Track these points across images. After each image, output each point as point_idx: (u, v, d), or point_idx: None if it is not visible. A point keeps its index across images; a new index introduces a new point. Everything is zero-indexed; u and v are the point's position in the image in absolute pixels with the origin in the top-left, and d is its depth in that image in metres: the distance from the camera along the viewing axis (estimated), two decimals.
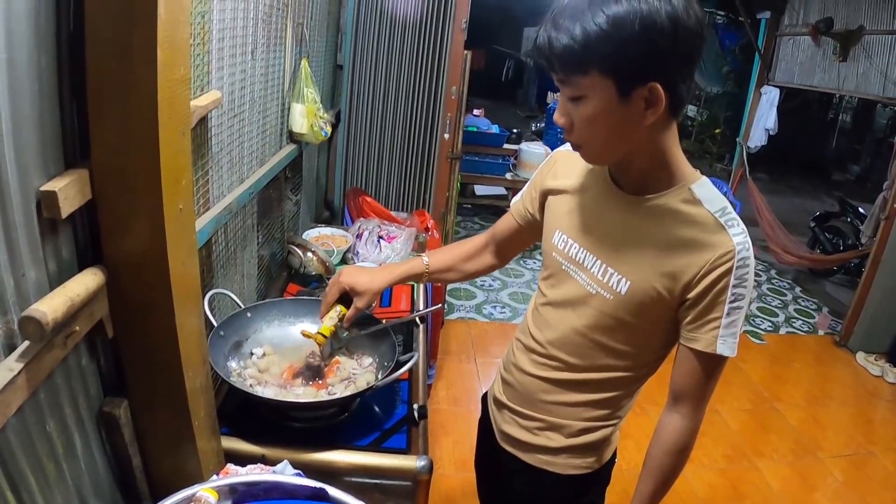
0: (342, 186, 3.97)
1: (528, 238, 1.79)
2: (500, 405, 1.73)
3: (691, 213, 1.34)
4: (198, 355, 1.31)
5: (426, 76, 3.79)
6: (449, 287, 5.57)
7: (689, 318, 1.37)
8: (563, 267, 1.52)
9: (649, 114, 1.22)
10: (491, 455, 1.78)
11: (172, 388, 1.26)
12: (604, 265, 1.43)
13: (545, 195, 1.63)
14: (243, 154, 2.03)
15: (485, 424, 1.85)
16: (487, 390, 1.85)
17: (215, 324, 1.74)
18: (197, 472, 1.36)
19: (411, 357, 1.70)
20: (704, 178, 1.39)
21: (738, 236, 1.31)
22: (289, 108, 2.56)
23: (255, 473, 1.32)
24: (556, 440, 1.61)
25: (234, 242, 2.06)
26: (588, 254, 1.47)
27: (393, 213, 3.54)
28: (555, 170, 1.61)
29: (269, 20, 2.15)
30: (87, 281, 1.11)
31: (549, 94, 9.10)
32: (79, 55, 1.04)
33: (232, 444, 1.61)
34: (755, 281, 1.33)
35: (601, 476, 1.69)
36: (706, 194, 1.35)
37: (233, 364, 1.74)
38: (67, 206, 1.06)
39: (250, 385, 1.68)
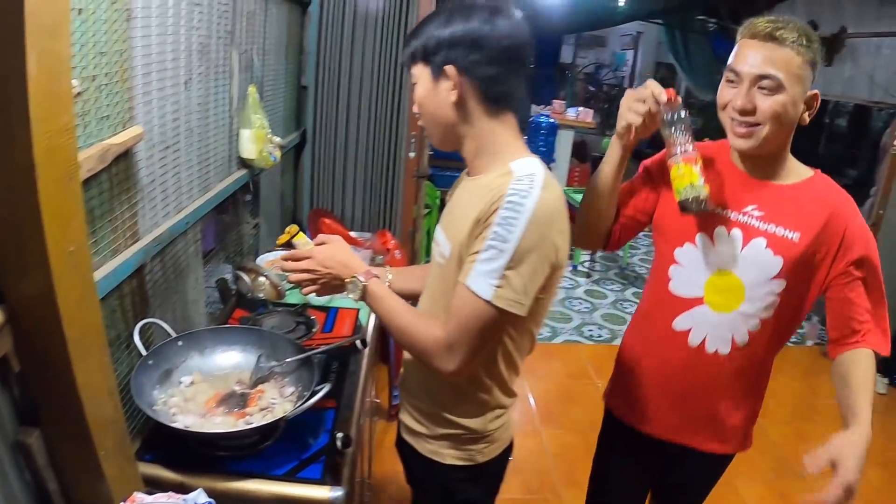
0: (310, 208, 4.01)
1: None
2: (402, 396, 1.90)
3: (500, 181, 1.49)
4: (102, 388, 1.35)
5: (390, 95, 3.83)
6: None
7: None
8: (433, 250, 1.75)
9: (453, 93, 1.52)
10: (404, 449, 1.89)
11: (75, 420, 1.30)
12: (443, 236, 1.65)
13: None
14: (180, 184, 2.08)
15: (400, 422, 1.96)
16: None
17: (144, 353, 1.78)
18: (109, 499, 1.40)
19: (322, 388, 1.73)
20: (531, 158, 1.56)
21: (518, 185, 1.44)
22: (237, 135, 2.61)
23: (160, 502, 1.36)
24: (431, 429, 1.74)
25: (175, 270, 2.10)
26: (441, 232, 1.68)
27: (354, 235, 3.58)
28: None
29: (207, 50, 2.19)
30: None
31: (533, 108, 9.13)
32: None
33: (154, 470, 1.64)
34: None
35: (486, 470, 1.77)
36: (521, 166, 1.51)
37: (158, 393, 1.77)
38: None
39: (173, 414, 1.71)
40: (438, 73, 1.53)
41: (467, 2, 1.53)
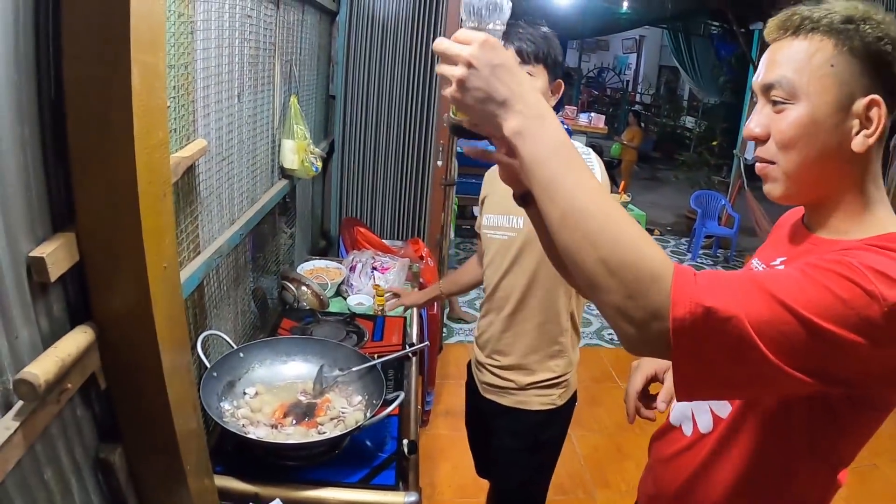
0: (338, 216, 4.01)
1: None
2: (479, 364, 2.26)
3: None
4: (188, 402, 1.35)
5: (418, 103, 3.85)
6: (448, 311, 5.63)
7: None
8: (489, 235, 2.16)
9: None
10: (476, 409, 2.33)
11: (163, 434, 1.30)
12: (502, 216, 2.09)
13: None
14: (233, 195, 2.08)
15: (470, 386, 2.38)
16: (471, 359, 2.40)
17: (208, 365, 1.78)
18: None
19: (397, 396, 1.74)
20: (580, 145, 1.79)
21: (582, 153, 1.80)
22: (279, 145, 2.61)
23: None
24: (519, 380, 2.11)
25: (227, 282, 2.11)
26: (493, 215, 2.14)
27: (387, 243, 3.58)
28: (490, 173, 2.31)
29: (256, 62, 2.20)
30: (78, 339, 1.15)
31: None
32: (62, 122, 1.09)
33: (226, 483, 1.64)
34: None
35: (563, 412, 2.20)
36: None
37: (225, 405, 1.78)
38: (56, 270, 1.10)
39: (243, 425, 1.72)
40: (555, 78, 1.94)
41: None
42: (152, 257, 1.14)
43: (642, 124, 12.94)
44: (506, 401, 2.16)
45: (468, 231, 7.72)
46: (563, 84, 1.91)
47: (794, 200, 1.20)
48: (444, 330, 5.25)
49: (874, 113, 1.07)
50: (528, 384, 2.11)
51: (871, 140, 1.08)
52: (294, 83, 2.75)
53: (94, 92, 1.05)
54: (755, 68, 6.56)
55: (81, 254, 1.16)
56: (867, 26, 1.06)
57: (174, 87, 1.56)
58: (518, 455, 2.23)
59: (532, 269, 2.04)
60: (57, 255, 1.10)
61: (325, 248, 4.01)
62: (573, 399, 2.25)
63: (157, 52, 1.11)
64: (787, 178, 1.15)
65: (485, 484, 3.46)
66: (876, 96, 1.06)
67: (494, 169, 1.97)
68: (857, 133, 1.08)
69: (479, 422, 2.38)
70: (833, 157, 1.11)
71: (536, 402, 2.13)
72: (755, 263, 1.34)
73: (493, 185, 2.17)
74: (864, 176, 1.14)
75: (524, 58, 1.85)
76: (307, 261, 3.15)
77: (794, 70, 1.10)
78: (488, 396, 2.22)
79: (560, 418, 2.21)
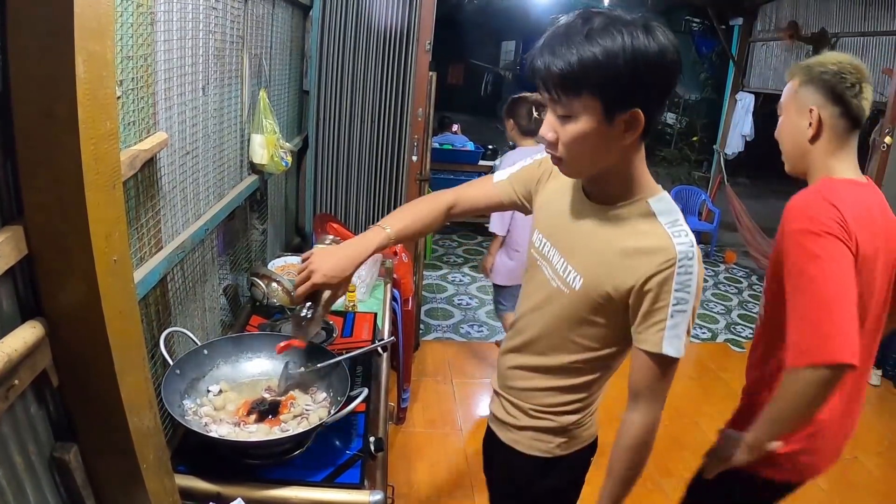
0: (312, 212, 3.99)
1: (496, 209, 2.01)
2: (495, 392, 1.95)
3: (645, 224, 1.50)
4: (143, 399, 1.32)
5: (392, 98, 3.82)
6: (426, 307, 5.60)
7: (637, 321, 1.51)
8: (537, 262, 1.74)
9: (627, 136, 1.40)
10: (488, 437, 2.00)
11: (118, 433, 1.27)
12: (563, 260, 1.63)
13: (534, 194, 1.83)
14: (198, 190, 2.05)
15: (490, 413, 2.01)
16: None
17: (171, 363, 1.75)
18: None
19: (360, 392, 1.72)
20: (664, 194, 1.54)
21: (683, 245, 1.44)
22: (248, 140, 2.58)
23: None
24: (521, 419, 1.80)
25: (193, 278, 2.08)
26: (555, 250, 1.67)
27: None
28: (551, 174, 1.78)
29: (222, 55, 2.17)
30: (26, 335, 1.12)
31: None
32: (8, 114, 1.06)
33: (189, 482, 1.62)
34: (704, 286, 1.46)
35: (566, 464, 1.83)
36: (661, 207, 1.51)
37: (188, 403, 1.75)
38: (2, 264, 1.07)
39: (205, 424, 1.69)
40: (616, 114, 1.42)
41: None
42: (101, 250, 1.12)
43: None
44: (502, 435, 1.89)
45: (446, 227, 7.69)
46: (641, 115, 1.38)
47: None
48: (422, 326, 5.23)
49: None
50: (525, 426, 1.82)
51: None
52: (264, 77, 2.72)
53: (39, 81, 1.02)
54: (735, 64, 6.62)
55: (30, 247, 1.13)
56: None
57: (133, 78, 1.53)
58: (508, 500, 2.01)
59: (585, 342, 1.68)
60: (3, 248, 1.07)
61: (300, 244, 3.98)
62: (584, 451, 1.88)
63: (104, 41, 1.08)
64: None
65: (461, 481, 3.46)
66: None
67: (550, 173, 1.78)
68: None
69: (487, 451, 2.08)
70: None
71: (531, 447, 1.83)
72: None
73: (560, 200, 1.72)
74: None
75: (554, 88, 1.39)
76: (279, 257, 3.12)
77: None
78: (491, 426, 1.96)
79: (561, 468, 1.86)
